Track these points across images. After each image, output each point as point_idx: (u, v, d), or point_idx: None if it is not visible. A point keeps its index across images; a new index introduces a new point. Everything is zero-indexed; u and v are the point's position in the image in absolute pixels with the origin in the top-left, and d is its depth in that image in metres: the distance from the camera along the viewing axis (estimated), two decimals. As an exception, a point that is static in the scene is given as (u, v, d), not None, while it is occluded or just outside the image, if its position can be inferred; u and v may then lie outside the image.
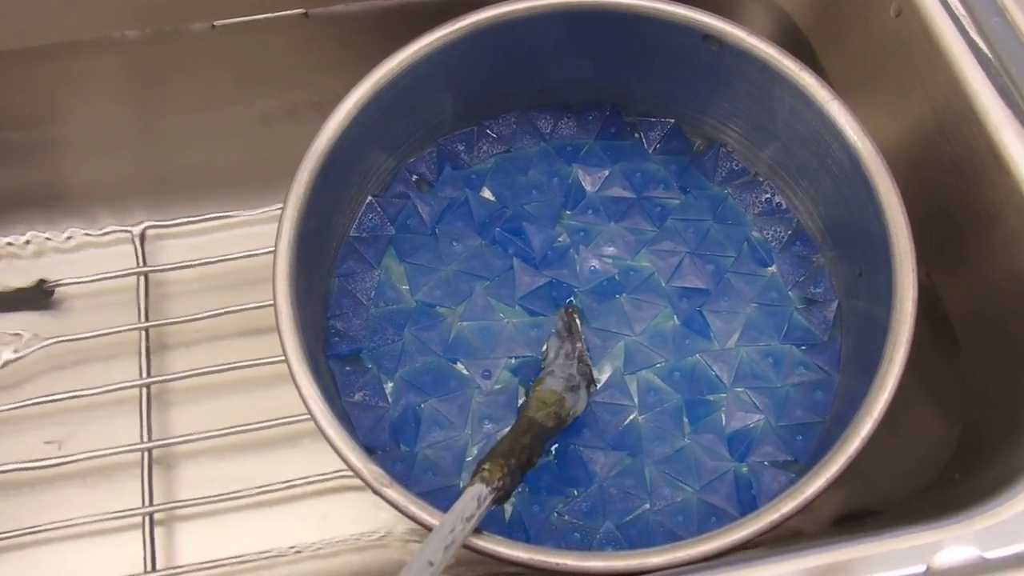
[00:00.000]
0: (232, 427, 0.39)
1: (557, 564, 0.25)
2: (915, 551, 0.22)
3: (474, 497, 0.25)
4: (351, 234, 0.35)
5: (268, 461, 0.40)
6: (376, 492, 0.26)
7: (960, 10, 0.31)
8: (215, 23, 0.40)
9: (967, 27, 0.30)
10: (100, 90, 0.42)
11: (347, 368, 0.33)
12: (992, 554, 0.22)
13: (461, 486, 0.31)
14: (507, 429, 0.30)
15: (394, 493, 0.26)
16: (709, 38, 0.32)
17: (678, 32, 0.33)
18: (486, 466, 0.26)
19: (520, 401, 0.32)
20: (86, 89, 0.42)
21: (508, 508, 0.31)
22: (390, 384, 0.33)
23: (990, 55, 0.30)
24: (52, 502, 0.39)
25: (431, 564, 0.23)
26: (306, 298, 0.31)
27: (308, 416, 0.37)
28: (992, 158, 0.29)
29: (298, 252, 0.30)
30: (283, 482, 0.39)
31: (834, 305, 0.33)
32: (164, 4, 0.40)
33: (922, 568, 0.22)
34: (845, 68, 0.35)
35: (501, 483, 0.26)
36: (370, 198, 0.36)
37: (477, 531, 0.25)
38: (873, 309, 0.29)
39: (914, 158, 0.32)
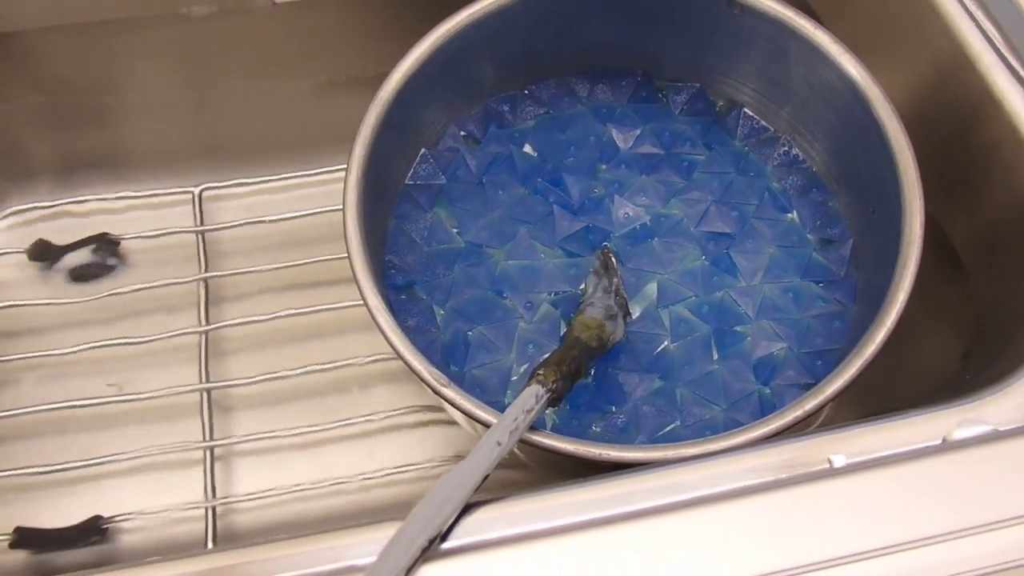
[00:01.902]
0: (284, 372, 0.42)
1: (599, 455, 0.28)
2: (932, 427, 0.25)
3: (532, 395, 0.28)
4: (406, 182, 0.39)
5: (317, 405, 0.43)
6: (436, 392, 0.29)
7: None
8: (276, 0, 0.43)
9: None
10: (165, 61, 0.45)
11: (402, 297, 0.36)
12: (1004, 427, 0.25)
13: (507, 403, 0.34)
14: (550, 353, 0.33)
15: (451, 392, 0.29)
16: (732, 2, 0.36)
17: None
18: (541, 371, 0.29)
19: (562, 330, 0.35)
20: (152, 60, 0.45)
21: (549, 423, 0.34)
22: (441, 313, 0.36)
23: (978, 5, 0.33)
24: (119, 437, 0.42)
25: (499, 444, 0.26)
26: (367, 233, 0.34)
27: (353, 362, 0.41)
28: (986, 96, 0.32)
29: (363, 189, 0.33)
30: (332, 422, 0.42)
31: (849, 244, 0.36)
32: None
33: (938, 441, 0.25)
34: (849, 31, 0.38)
35: (555, 385, 0.29)
36: (423, 150, 0.39)
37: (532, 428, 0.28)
38: (885, 243, 0.32)
39: (917, 106, 0.35)
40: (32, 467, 0.40)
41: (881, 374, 0.33)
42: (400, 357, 0.30)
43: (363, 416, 0.42)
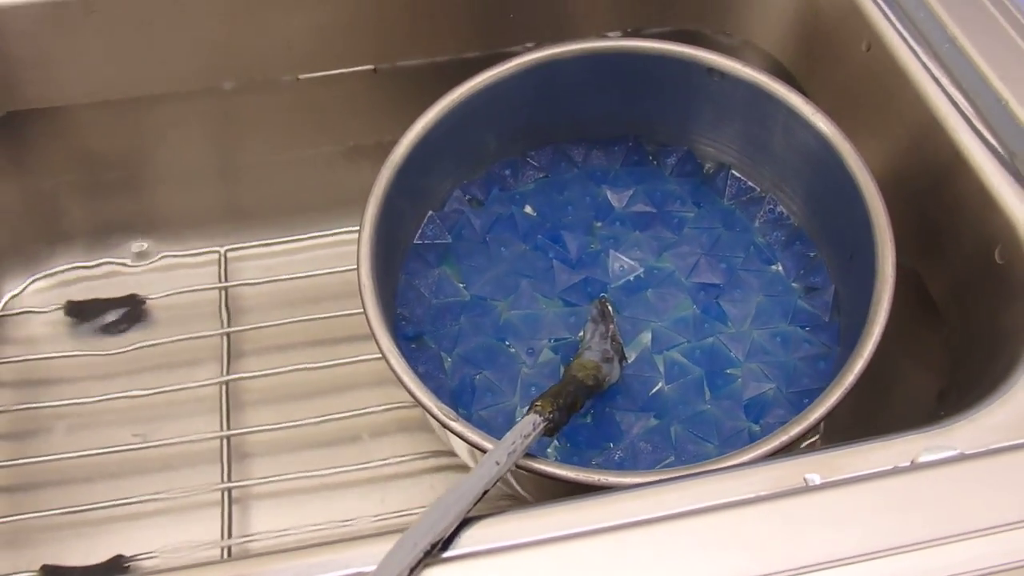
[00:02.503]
0: (300, 420, 0.45)
1: (594, 480, 0.30)
2: (901, 450, 0.27)
3: (530, 423, 0.30)
4: (415, 241, 0.41)
5: (330, 452, 0.45)
6: (444, 425, 0.31)
7: (918, 41, 0.37)
8: (299, 76, 0.47)
9: (924, 54, 0.37)
10: (195, 131, 0.49)
11: (412, 346, 0.39)
12: (969, 451, 0.26)
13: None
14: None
15: (459, 426, 0.31)
16: (712, 70, 0.39)
17: (687, 67, 0.39)
18: (539, 403, 0.31)
19: (562, 373, 0.37)
20: (184, 130, 0.49)
21: (552, 459, 0.35)
22: (448, 360, 0.38)
23: (945, 74, 0.36)
24: (141, 481, 0.44)
25: (497, 463, 0.28)
26: (380, 285, 0.36)
27: (366, 412, 0.43)
28: (954, 156, 0.34)
29: (375, 245, 0.36)
30: (345, 466, 0.44)
31: (831, 290, 0.39)
32: (258, 59, 0.47)
33: (907, 463, 0.26)
34: (829, 98, 0.41)
35: (551, 415, 0.31)
36: (431, 212, 0.42)
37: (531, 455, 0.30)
38: (864, 287, 0.34)
39: (894, 168, 0.38)
40: (58, 508, 0.42)
41: (864, 413, 0.35)
42: (411, 394, 0.32)
43: (376, 461, 0.44)
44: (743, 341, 0.38)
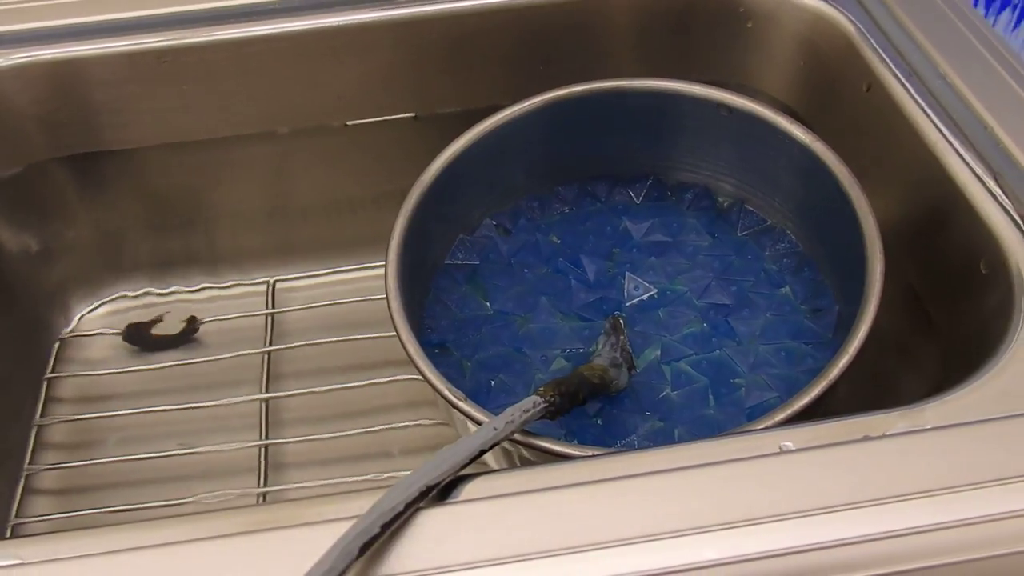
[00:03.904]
0: (333, 433, 0.47)
1: (590, 454, 0.31)
2: (874, 426, 0.28)
3: (531, 401, 0.32)
4: (446, 261, 0.45)
5: (361, 463, 0.48)
6: (453, 405, 0.34)
7: (912, 79, 0.40)
8: (347, 123, 0.52)
9: (918, 91, 0.39)
10: (252, 172, 0.53)
11: (436, 351, 0.41)
12: (930, 425, 0.28)
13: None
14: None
15: (466, 405, 0.34)
16: (721, 106, 0.42)
17: (699, 104, 0.43)
18: (542, 388, 0.33)
19: (573, 379, 0.40)
20: (242, 171, 0.53)
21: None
22: (468, 364, 0.41)
23: (937, 108, 0.38)
24: (184, 485, 0.47)
25: (495, 429, 0.30)
26: (406, 292, 0.39)
27: (395, 428, 0.46)
28: (945, 180, 0.36)
29: (402, 257, 0.39)
30: (374, 473, 0.46)
31: (835, 311, 0.40)
32: (310, 107, 0.51)
33: (878, 435, 0.28)
34: (834, 136, 0.44)
35: (552, 399, 0.33)
36: (461, 236, 0.45)
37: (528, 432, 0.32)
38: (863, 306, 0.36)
39: (895, 194, 0.40)
40: (107, 507, 0.45)
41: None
42: (424, 376, 0.35)
43: (405, 471, 0.46)
44: (749, 354, 0.40)
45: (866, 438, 0.28)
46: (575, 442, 0.38)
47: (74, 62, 0.48)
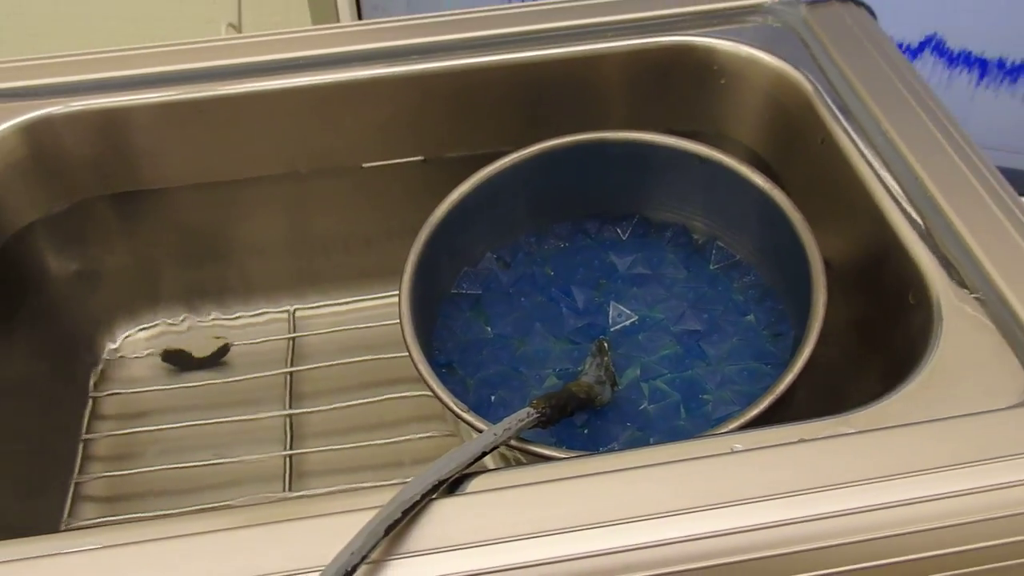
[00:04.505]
0: (350, 444, 0.53)
1: (571, 456, 0.37)
2: (811, 431, 0.34)
3: (525, 412, 0.38)
4: (452, 291, 0.50)
5: (378, 472, 0.53)
6: (458, 416, 0.39)
7: (859, 134, 0.46)
8: (363, 164, 0.58)
9: (863, 145, 0.45)
10: (275, 208, 0.59)
11: (443, 370, 0.47)
12: (854, 429, 0.34)
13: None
14: (553, 407, 0.43)
15: (470, 416, 0.39)
16: (695, 156, 0.48)
17: (678, 154, 0.49)
18: (535, 400, 0.39)
19: (563, 395, 0.45)
20: (266, 207, 0.59)
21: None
22: (471, 382, 0.47)
23: (878, 160, 0.44)
24: (217, 492, 0.53)
25: (495, 435, 0.36)
26: (417, 318, 0.45)
27: (406, 440, 0.51)
28: (882, 223, 0.42)
29: (414, 285, 0.45)
30: (388, 481, 0.52)
31: (792, 335, 0.46)
32: (329, 150, 0.57)
33: (812, 438, 0.33)
34: (798, 182, 0.50)
35: (543, 411, 0.38)
36: (466, 268, 0.51)
37: (524, 439, 0.38)
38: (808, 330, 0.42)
39: (845, 238, 0.46)
40: (150, 512, 0.51)
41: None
42: (433, 392, 0.40)
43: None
44: (716, 374, 0.46)
45: (801, 440, 0.33)
46: (564, 448, 0.43)
47: (120, 111, 0.54)
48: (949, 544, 0.31)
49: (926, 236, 0.41)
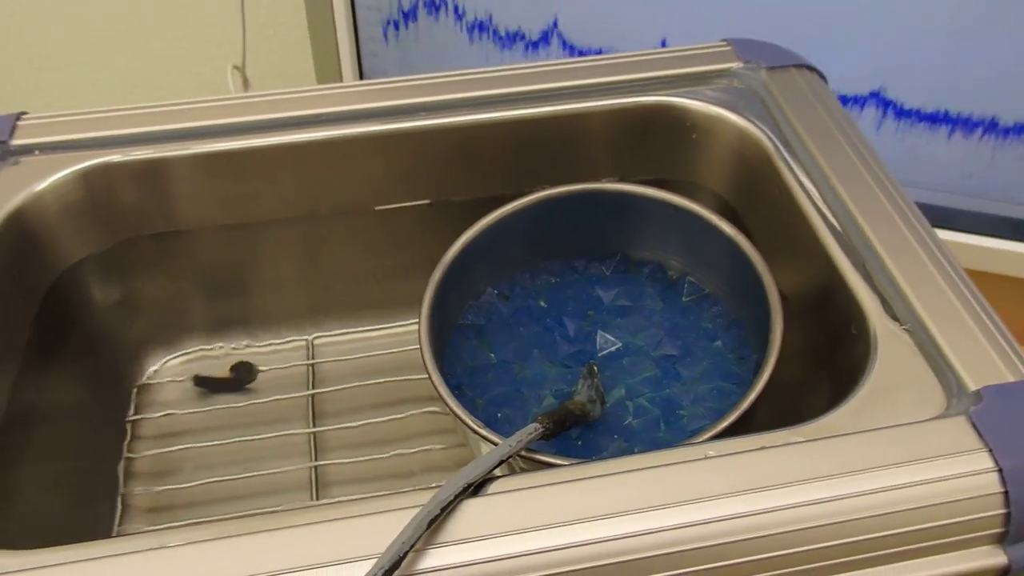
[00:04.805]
0: (367, 457, 0.60)
1: (571, 462, 0.44)
2: (770, 439, 0.41)
3: (532, 427, 0.45)
4: (459, 322, 0.57)
5: (394, 482, 0.60)
6: (475, 431, 0.46)
7: (810, 188, 0.54)
8: (376, 207, 0.65)
9: (814, 195, 0.53)
10: (295, 247, 0.66)
11: (455, 392, 0.54)
12: (804, 439, 0.41)
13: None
14: (551, 423, 0.50)
15: (485, 431, 0.46)
16: (670, 205, 0.56)
17: (657, 203, 0.56)
18: (539, 417, 0.46)
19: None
20: (286, 246, 0.65)
21: (551, 470, 0.50)
22: (479, 402, 0.54)
23: (826, 208, 0.52)
24: (247, 503, 0.59)
25: (510, 446, 0.43)
26: (433, 345, 0.52)
27: (419, 452, 0.58)
28: (828, 264, 0.50)
29: (432, 319, 0.52)
30: (403, 490, 0.58)
31: (754, 358, 0.54)
32: (345, 195, 0.64)
33: (771, 445, 0.41)
34: (759, 225, 0.57)
35: (547, 426, 0.45)
36: (471, 302, 0.58)
37: (530, 450, 0.45)
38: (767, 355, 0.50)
39: (799, 276, 0.54)
40: (185, 521, 0.57)
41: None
42: (452, 411, 0.47)
43: (423, 487, 0.59)
44: (690, 392, 0.53)
45: (762, 448, 0.41)
46: (563, 456, 0.50)
47: (160, 161, 0.60)
48: (883, 528, 0.38)
49: (865, 275, 0.48)
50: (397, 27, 0.91)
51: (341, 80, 0.95)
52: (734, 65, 0.64)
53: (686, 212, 0.55)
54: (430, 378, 0.49)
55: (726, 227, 0.54)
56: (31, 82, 1.18)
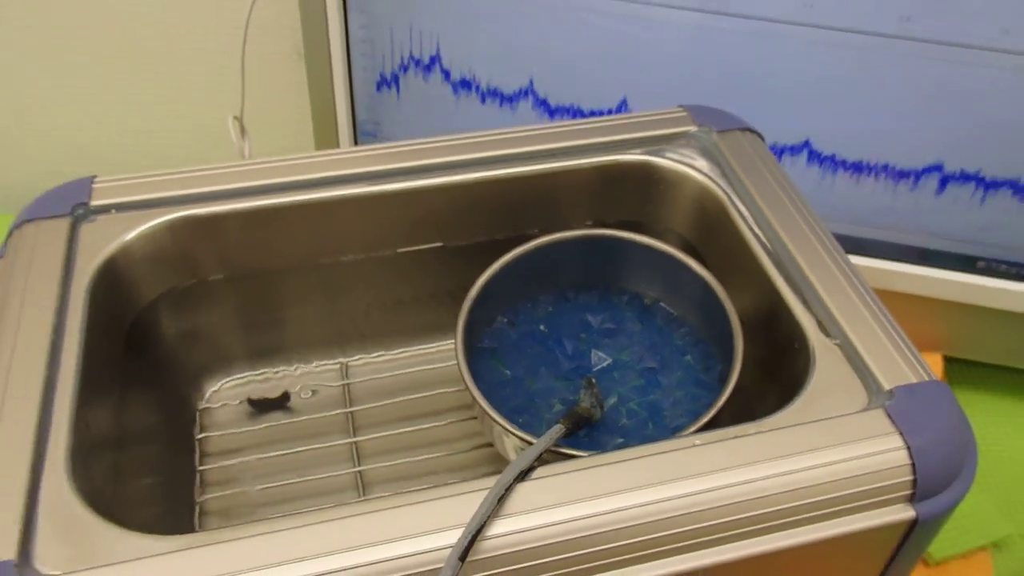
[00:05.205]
0: (402, 460, 0.72)
1: (586, 454, 0.57)
2: (738, 431, 0.55)
3: (557, 427, 0.58)
4: (478, 345, 0.70)
5: (422, 478, 0.72)
6: (507, 430, 0.59)
7: (757, 233, 0.68)
8: (397, 250, 0.77)
9: (763, 237, 0.67)
10: (330, 285, 0.77)
11: (481, 404, 0.67)
12: (764, 430, 0.55)
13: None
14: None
15: (520, 432, 0.59)
16: (648, 247, 0.69)
17: (635, 244, 0.70)
18: (560, 420, 0.59)
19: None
20: (318, 286, 0.76)
21: (565, 463, 0.63)
22: (502, 411, 0.66)
23: (773, 251, 0.66)
24: (297, 507, 0.70)
25: (544, 443, 0.55)
26: (468, 363, 0.64)
27: (451, 455, 0.70)
28: (775, 293, 0.64)
29: (465, 343, 0.65)
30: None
31: (718, 369, 0.68)
32: (372, 240, 0.75)
33: (743, 434, 0.54)
34: (716, 261, 0.71)
35: (568, 426, 0.58)
36: (486, 328, 0.71)
37: (556, 445, 0.58)
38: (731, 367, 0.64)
39: (751, 303, 0.68)
40: (243, 521, 0.68)
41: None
42: (487, 413, 0.60)
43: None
44: (669, 397, 0.67)
45: (735, 437, 0.54)
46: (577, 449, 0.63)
47: (216, 216, 0.71)
48: (824, 493, 0.51)
49: (802, 300, 0.62)
50: (389, 84, 1.03)
51: (336, 129, 1.07)
52: (691, 128, 0.77)
53: (659, 252, 0.69)
54: (469, 391, 0.62)
55: (692, 263, 0.68)
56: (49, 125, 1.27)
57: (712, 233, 0.74)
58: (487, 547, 0.48)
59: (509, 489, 0.50)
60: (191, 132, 1.27)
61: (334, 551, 0.47)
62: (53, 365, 0.58)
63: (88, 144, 1.30)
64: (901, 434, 0.52)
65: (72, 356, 0.58)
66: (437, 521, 0.49)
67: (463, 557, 0.46)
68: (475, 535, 0.47)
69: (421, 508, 0.50)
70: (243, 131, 1.16)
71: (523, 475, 0.51)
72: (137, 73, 1.23)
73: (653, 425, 0.65)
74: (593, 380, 0.67)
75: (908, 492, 0.52)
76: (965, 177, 0.88)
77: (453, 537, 0.48)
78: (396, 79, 1.01)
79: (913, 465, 0.51)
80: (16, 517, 0.49)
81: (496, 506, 0.49)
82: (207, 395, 0.77)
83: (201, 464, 0.72)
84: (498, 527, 0.49)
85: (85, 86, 1.23)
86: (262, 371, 0.78)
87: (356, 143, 1.07)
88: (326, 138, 1.07)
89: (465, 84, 0.99)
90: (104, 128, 1.28)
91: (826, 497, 0.51)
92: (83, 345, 0.59)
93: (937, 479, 0.52)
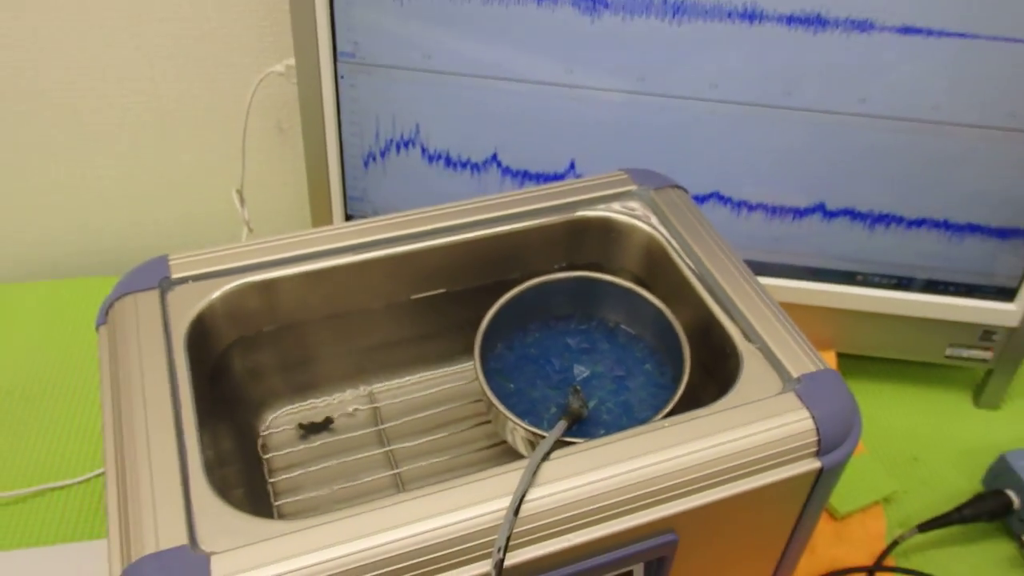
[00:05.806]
0: (432, 461, 0.91)
1: (579, 441, 0.78)
2: (688, 416, 0.76)
3: (562, 422, 0.78)
4: (485, 367, 0.90)
5: (448, 474, 0.91)
6: (526, 429, 0.79)
7: (692, 269, 0.90)
8: (411, 297, 0.96)
9: (696, 275, 0.89)
10: (358, 328, 0.96)
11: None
12: (706, 415, 0.76)
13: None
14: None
15: (533, 428, 0.79)
16: (612, 284, 0.91)
17: (602, 283, 0.91)
18: (563, 417, 0.79)
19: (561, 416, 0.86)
20: (352, 328, 0.96)
21: (564, 452, 0.83)
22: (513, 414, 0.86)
23: (708, 281, 0.88)
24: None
25: (556, 435, 0.75)
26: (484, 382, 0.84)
27: (472, 452, 0.90)
28: (710, 317, 0.86)
29: (483, 365, 0.85)
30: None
31: (670, 373, 0.89)
32: (390, 290, 0.95)
33: (697, 417, 0.76)
34: (663, 292, 0.93)
35: (570, 422, 0.79)
36: (491, 353, 0.91)
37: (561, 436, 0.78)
38: (682, 373, 0.85)
39: (693, 321, 0.90)
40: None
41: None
42: (502, 412, 0.80)
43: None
44: (635, 397, 0.88)
45: (690, 420, 0.76)
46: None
47: (271, 281, 0.90)
48: (754, 454, 0.73)
49: (729, 316, 0.84)
50: (375, 159, 1.23)
51: (329, 198, 1.26)
52: (633, 188, 0.99)
53: (621, 287, 0.91)
54: (488, 398, 0.82)
55: (646, 294, 0.89)
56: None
57: (657, 269, 0.96)
58: (526, 508, 0.69)
59: (538, 467, 0.71)
60: (197, 201, 1.44)
61: (421, 518, 0.67)
62: (176, 403, 0.75)
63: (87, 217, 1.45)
64: (807, 408, 0.70)
65: (187, 394, 0.76)
66: (484, 496, 0.68)
67: (516, 512, 0.66)
68: (522, 497, 0.68)
69: (469, 487, 0.69)
70: (242, 201, 1.35)
71: (546, 456, 0.72)
72: (137, 154, 1.40)
73: (627, 418, 0.86)
74: (578, 387, 0.88)
75: (814, 449, 0.68)
76: (844, 212, 1.13)
77: (496, 505, 0.68)
78: (381, 154, 1.21)
79: (817, 429, 0.68)
80: (181, 515, 0.67)
81: (532, 478, 0.69)
82: (268, 422, 0.95)
83: (270, 477, 0.90)
84: (533, 493, 0.69)
85: (92, 168, 1.39)
86: (309, 401, 0.97)
87: (346, 209, 1.26)
88: (320, 205, 1.26)
89: (438, 156, 1.20)
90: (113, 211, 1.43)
91: (758, 456, 0.70)
92: (191, 384, 0.77)
93: (834, 438, 0.72)
